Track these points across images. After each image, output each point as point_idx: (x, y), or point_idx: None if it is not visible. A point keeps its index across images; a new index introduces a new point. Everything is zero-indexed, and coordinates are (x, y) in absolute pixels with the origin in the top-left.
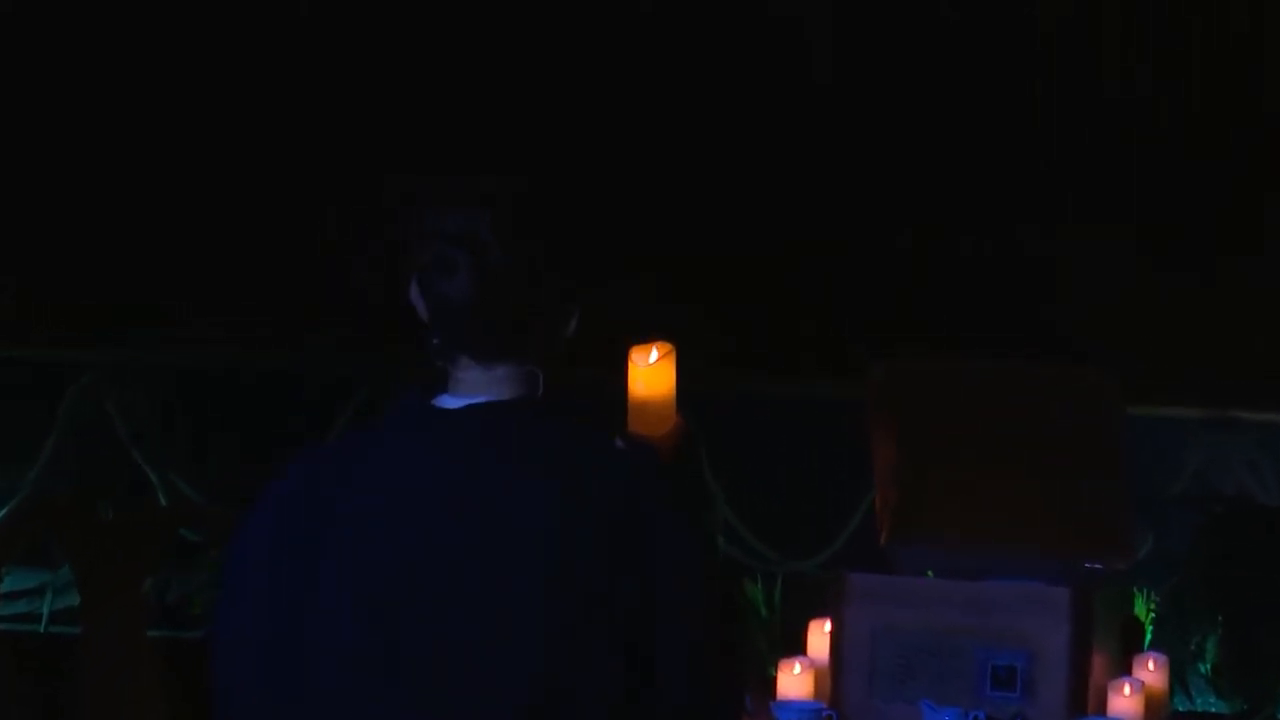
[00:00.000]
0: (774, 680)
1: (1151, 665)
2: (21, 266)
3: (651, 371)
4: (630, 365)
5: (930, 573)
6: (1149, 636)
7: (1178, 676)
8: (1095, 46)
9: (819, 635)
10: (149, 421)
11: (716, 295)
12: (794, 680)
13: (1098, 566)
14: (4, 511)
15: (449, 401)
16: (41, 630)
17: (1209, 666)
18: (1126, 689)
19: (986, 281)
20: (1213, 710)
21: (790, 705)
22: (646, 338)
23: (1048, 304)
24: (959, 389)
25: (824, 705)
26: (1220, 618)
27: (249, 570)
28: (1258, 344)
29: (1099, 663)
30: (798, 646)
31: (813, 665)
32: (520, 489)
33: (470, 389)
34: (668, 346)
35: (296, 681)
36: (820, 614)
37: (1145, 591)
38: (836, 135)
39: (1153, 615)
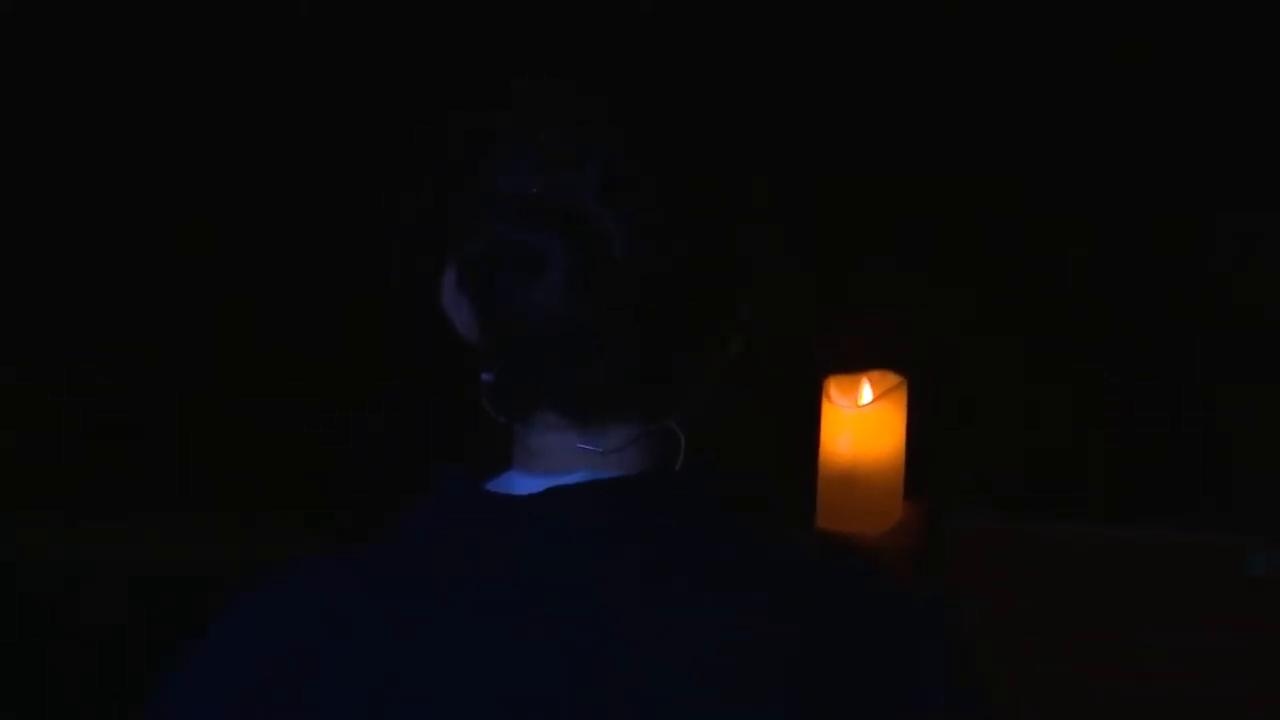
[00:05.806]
0: None
1: None
2: None
3: (867, 418)
4: (826, 407)
5: None
6: None
7: None
8: None
9: None
10: None
11: None
12: None
13: None
14: None
15: (521, 483)
16: None
17: None
18: None
19: None
20: None
21: None
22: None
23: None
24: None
25: None
26: None
27: None
28: None
29: None
30: None
31: None
32: (667, 671)
33: (559, 462)
34: (895, 377)
35: None
36: None
37: None
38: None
39: None
